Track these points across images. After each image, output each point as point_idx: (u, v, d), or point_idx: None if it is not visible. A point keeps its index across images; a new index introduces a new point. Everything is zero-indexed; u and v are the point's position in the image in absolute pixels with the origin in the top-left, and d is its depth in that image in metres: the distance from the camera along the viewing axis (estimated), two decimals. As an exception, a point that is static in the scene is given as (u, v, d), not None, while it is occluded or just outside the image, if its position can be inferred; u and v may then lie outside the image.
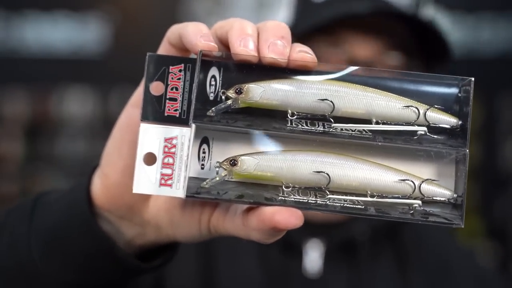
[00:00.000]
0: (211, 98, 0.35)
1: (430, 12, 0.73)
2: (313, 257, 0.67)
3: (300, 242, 0.68)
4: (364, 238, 0.68)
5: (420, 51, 0.70)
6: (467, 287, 0.69)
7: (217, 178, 0.34)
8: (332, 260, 0.67)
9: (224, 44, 0.35)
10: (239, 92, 0.34)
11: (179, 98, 0.35)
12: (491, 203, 2.53)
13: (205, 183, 0.34)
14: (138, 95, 0.37)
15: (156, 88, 0.35)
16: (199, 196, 0.33)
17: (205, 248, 0.66)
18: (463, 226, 0.33)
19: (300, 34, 0.65)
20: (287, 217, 0.31)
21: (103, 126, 2.38)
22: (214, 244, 0.66)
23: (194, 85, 0.34)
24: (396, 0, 0.67)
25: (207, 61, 0.35)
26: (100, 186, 0.39)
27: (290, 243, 0.67)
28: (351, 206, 0.34)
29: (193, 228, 0.37)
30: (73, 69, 2.55)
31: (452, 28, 2.54)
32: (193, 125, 0.34)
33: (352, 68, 0.35)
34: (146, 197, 0.39)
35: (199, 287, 0.67)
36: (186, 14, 2.39)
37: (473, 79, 0.34)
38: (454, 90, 0.35)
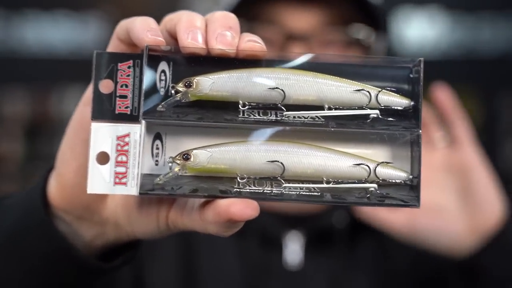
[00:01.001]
0: (162, 93, 0.35)
1: None
2: (293, 249, 0.67)
3: (279, 234, 0.68)
4: (343, 227, 0.68)
5: (360, 22, 0.68)
6: None
7: (171, 174, 0.34)
8: (312, 251, 0.67)
9: (174, 37, 0.35)
10: (188, 85, 0.34)
11: (130, 95, 0.35)
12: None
13: (158, 179, 0.34)
14: (89, 93, 0.37)
15: (106, 86, 0.35)
16: (152, 192, 0.33)
17: (184, 243, 0.66)
18: (419, 207, 0.33)
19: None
20: (243, 209, 0.31)
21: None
22: (194, 239, 0.66)
23: (143, 82, 0.34)
24: None
25: (156, 56, 0.34)
26: (56, 186, 0.39)
27: (270, 236, 0.67)
28: (307, 193, 0.34)
29: (151, 225, 0.37)
30: (73, 69, 2.45)
31: (452, 28, 2.58)
32: (143, 122, 0.33)
33: (304, 56, 0.35)
34: (103, 196, 0.38)
35: (180, 282, 0.67)
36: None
37: (422, 59, 0.34)
38: (405, 72, 0.35)
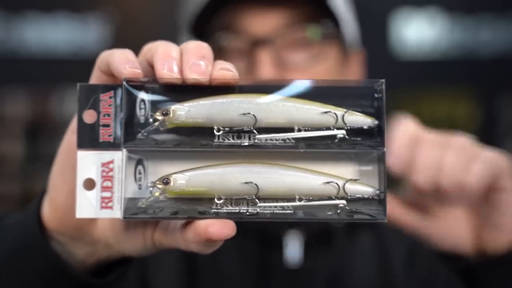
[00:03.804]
0: (142, 121, 0.37)
1: None
2: (293, 247, 0.69)
3: (279, 234, 0.69)
4: (342, 225, 0.70)
5: (318, 21, 0.70)
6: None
7: (152, 198, 0.36)
8: (311, 249, 0.69)
9: (152, 67, 0.37)
10: (165, 113, 0.36)
11: (112, 124, 0.37)
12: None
13: (141, 203, 0.36)
14: (75, 123, 0.39)
15: (89, 116, 0.37)
16: (136, 216, 0.35)
17: None
18: (386, 221, 0.35)
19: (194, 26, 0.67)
20: (220, 229, 0.33)
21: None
22: None
23: (122, 111, 0.36)
24: None
25: (136, 86, 0.37)
26: (49, 209, 0.41)
27: (270, 236, 0.69)
28: (281, 212, 0.36)
29: (138, 244, 0.40)
30: (73, 70, 2.48)
31: (450, 29, 2.62)
32: (124, 150, 0.36)
33: (275, 82, 0.37)
34: (92, 219, 0.41)
35: (182, 281, 0.69)
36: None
37: (384, 80, 0.36)
38: (370, 92, 0.37)
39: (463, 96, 2.70)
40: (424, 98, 2.65)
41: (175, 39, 0.49)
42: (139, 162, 0.37)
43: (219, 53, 0.67)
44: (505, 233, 0.58)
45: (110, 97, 0.37)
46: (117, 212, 0.36)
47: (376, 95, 0.37)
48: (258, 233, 0.69)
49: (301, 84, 0.37)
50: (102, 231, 0.41)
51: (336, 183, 0.36)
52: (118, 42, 2.58)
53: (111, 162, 0.37)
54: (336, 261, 0.70)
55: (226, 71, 0.35)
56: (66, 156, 0.40)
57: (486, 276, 0.58)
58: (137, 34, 2.56)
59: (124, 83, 0.36)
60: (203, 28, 0.69)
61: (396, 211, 0.63)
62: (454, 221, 0.58)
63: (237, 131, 0.36)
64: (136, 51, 0.39)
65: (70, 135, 0.40)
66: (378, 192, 0.36)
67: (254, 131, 0.36)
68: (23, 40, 2.69)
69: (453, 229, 0.58)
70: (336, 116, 0.36)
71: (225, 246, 0.70)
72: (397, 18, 2.70)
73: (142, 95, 0.37)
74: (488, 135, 2.54)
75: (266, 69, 0.66)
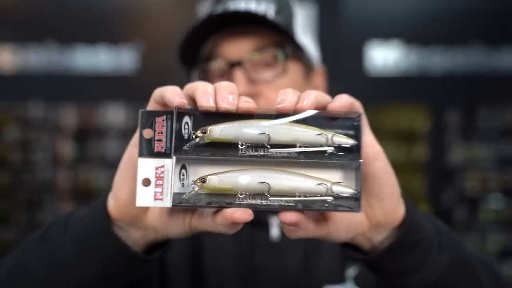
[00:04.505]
0: (186, 137, 0.48)
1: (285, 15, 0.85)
2: (275, 228, 0.84)
3: (265, 218, 0.84)
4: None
5: (279, 45, 0.82)
6: None
7: (193, 192, 0.48)
8: None
9: (192, 99, 0.49)
10: (204, 132, 0.48)
11: (164, 139, 0.49)
12: (438, 193, 3.41)
13: (185, 195, 0.48)
14: (136, 138, 0.52)
15: (147, 133, 0.49)
16: (181, 205, 0.47)
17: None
18: (360, 212, 0.47)
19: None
20: (242, 215, 0.46)
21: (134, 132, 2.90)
22: None
23: (173, 130, 0.48)
24: (253, 8, 0.80)
25: (181, 112, 0.48)
26: (113, 204, 0.54)
27: (259, 220, 0.83)
28: (286, 204, 0.47)
29: (180, 228, 0.53)
30: (111, 88, 3.30)
31: (408, 55, 3.45)
32: (174, 157, 0.48)
33: (286, 117, 0.48)
34: (145, 209, 0.54)
35: (191, 260, 0.83)
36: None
37: (362, 113, 0.48)
38: (351, 122, 0.49)
39: (420, 110, 3.43)
40: (388, 111, 3.39)
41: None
42: (183, 166, 0.48)
43: (206, 74, 0.84)
44: (387, 202, 0.53)
45: (163, 120, 0.49)
46: (167, 203, 0.48)
47: (355, 123, 0.49)
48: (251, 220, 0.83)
49: (304, 113, 0.48)
50: (152, 219, 0.54)
51: (326, 185, 0.48)
52: (144, 65, 3.33)
53: (163, 166, 0.49)
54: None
55: (248, 103, 0.48)
56: (127, 164, 0.53)
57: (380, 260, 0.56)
58: (159, 59, 3.20)
59: (175, 109, 0.48)
60: (194, 56, 0.84)
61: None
62: (346, 214, 0.52)
63: (255, 146, 0.48)
64: (160, 73, 0.53)
65: (131, 149, 0.53)
66: (355, 192, 0.48)
67: (268, 146, 0.48)
68: (73, 65, 3.31)
69: (346, 220, 0.53)
70: (327, 137, 0.48)
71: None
72: (370, 46, 3.49)
73: (186, 118, 0.49)
74: (437, 138, 3.34)
75: (240, 85, 0.79)
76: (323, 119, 0.49)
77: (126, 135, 3.24)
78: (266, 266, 0.82)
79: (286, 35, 0.80)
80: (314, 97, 0.48)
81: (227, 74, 0.82)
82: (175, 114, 0.48)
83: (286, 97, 0.49)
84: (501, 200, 3.41)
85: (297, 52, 0.83)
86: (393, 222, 0.54)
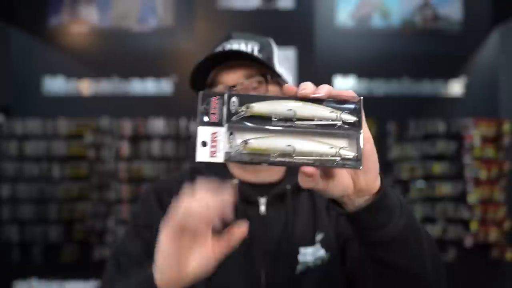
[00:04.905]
0: (233, 112, 0.46)
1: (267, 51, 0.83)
2: (262, 205, 0.80)
3: (256, 198, 0.80)
4: (290, 190, 0.80)
5: (263, 74, 0.79)
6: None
7: (238, 150, 0.45)
8: (272, 205, 0.80)
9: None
10: (247, 107, 0.46)
11: (217, 112, 0.47)
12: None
13: (233, 153, 0.45)
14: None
15: (205, 109, 0.47)
16: (229, 160, 0.45)
17: None
18: (360, 169, 0.45)
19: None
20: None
21: (174, 139, 3.43)
22: None
23: (224, 107, 0.46)
24: (243, 48, 0.78)
25: (230, 94, 0.46)
26: (159, 277, 0.53)
27: (250, 200, 0.79)
28: (306, 162, 0.45)
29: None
30: (154, 107, 3.52)
31: (361, 84, 3.59)
32: (226, 125, 0.46)
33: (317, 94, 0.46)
34: (184, 280, 0.53)
35: None
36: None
37: (362, 98, 0.46)
38: (353, 105, 0.47)
39: (368, 122, 3.47)
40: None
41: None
42: (231, 133, 0.46)
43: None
44: (370, 174, 0.50)
45: (217, 99, 0.47)
46: (220, 158, 0.46)
47: (356, 106, 0.47)
48: (244, 198, 0.80)
49: (321, 97, 0.46)
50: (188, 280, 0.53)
51: (335, 148, 0.45)
52: (177, 90, 3.55)
53: (217, 132, 0.46)
54: (287, 211, 0.79)
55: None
56: (165, 258, 0.52)
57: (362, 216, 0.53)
58: (187, 87, 3.16)
59: (227, 92, 0.46)
60: (202, 83, 0.81)
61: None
62: (341, 176, 0.50)
63: (284, 119, 0.46)
64: (187, 96, 0.49)
65: (157, 275, 0.53)
66: (356, 154, 0.46)
67: (293, 119, 0.46)
68: (129, 91, 3.57)
69: (340, 181, 0.50)
70: (337, 114, 0.46)
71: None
72: (335, 79, 3.61)
73: (234, 98, 0.47)
74: (381, 143, 3.45)
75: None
76: (334, 102, 0.47)
77: (165, 139, 3.45)
78: (256, 235, 0.78)
79: (267, 66, 0.79)
80: (327, 88, 0.47)
81: None
82: (226, 96, 0.46)
83: (307, 86, 0.47)
84: (423, 183, 3.49)
85: (275, 78, 0.81)
86: (372, 190, 0.51)
